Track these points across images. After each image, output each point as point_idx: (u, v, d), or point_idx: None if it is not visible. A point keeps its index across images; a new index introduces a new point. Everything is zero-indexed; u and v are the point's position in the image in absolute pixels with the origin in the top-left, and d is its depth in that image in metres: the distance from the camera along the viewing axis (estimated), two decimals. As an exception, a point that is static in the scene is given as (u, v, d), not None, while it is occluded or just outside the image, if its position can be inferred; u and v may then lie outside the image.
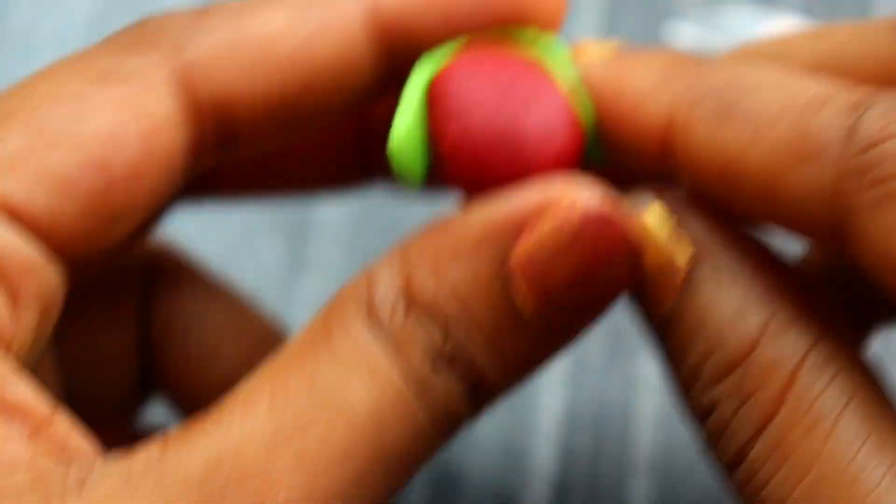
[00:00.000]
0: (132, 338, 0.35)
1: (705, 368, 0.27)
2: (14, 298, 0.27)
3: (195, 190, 0.34)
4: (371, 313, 0.27)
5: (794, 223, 0.27)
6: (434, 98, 0.29)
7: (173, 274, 0.35)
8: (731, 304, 0.26)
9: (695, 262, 0.27)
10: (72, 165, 0.27)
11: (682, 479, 0.42)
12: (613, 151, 0.29)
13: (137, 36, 0.29)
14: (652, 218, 0.27)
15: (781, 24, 0.48)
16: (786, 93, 0.27)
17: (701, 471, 0.42)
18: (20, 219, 0.27)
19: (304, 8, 0.29)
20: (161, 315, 0.35)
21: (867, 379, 0.26)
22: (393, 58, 0.30)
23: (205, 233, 0.45)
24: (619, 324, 0.43)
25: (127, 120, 0.28)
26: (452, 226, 0.27)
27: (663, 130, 0.28)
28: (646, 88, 0.29)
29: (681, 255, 0.27)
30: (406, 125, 0.28)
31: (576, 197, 0.26)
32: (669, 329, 0.27)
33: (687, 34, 0.48)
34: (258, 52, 0.29)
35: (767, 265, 0.27)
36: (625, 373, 0.43)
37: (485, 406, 0.28)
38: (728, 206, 0.28)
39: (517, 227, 0.26)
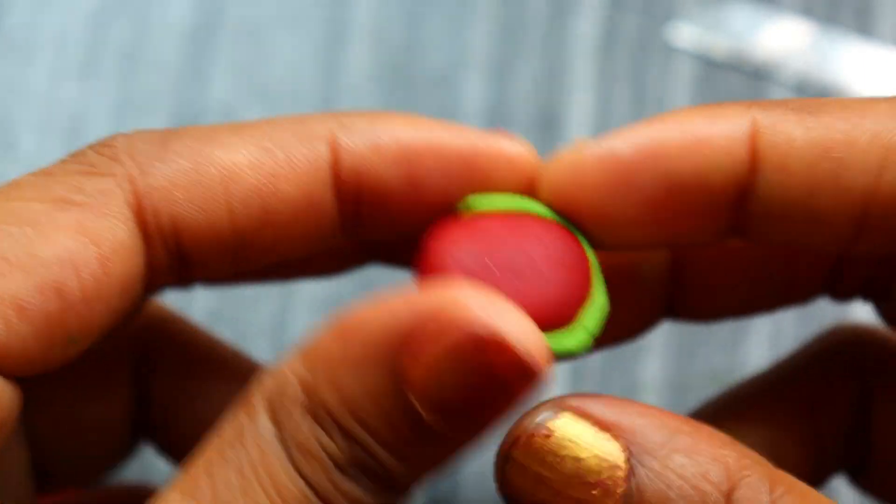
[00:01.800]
0: (123, 406, 0.35)
1: None
2: None
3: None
4: (276, 420, 0.27)
5: None
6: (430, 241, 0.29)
7: (168, 345, 0.35)
8: (690, 468, 0.28)
9: (629, 450, 0.28)
10: (27, 289, 0.27)
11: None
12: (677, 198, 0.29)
13: (101, 156, 0.29)
14: (570, 428, 0.28)
15: (782, 25, 0.48)
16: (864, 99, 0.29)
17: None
18: None
19: (271, 144, 0.29)
20: (158, 390, 0.35)
21: (812, 490, 0.28)
22: (355, 204, 0.30)
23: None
24: (619, 324, 0.43)
25: (83, 245, 0.28)
26: (351, 331, 0.27)
27: (747, 141, 0.29)
28: (707, 117, 0.29)
29: (614, 449, 0.28)
30: None
31: (467, 314, 0.26)
32: None
33: (687, 34, 0.48)
34: (216, 185, 0.29)
35: (687, 424, 0.28)
36: (625, 373, 0.43)
37: (406, 495, 0.28)
38: (812, 215, 0.29)
39: (411, 339, 0.26)
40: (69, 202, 0.28)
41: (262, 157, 0.29)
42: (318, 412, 0.27)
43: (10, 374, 0.28)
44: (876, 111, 0.29)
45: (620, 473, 0.27)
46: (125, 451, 0.36)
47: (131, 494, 0.37)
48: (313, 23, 0.49)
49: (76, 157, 0.29)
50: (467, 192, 0.30)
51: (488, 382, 0.26)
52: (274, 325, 0.45)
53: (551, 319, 0.28)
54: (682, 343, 0.44)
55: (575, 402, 0.28)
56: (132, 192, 0.29)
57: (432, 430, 0.27)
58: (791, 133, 0.29)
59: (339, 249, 0.34)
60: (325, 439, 0.27)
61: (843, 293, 0.34)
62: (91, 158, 0.29)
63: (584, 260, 0.29)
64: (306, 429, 0.27)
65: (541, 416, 0.28)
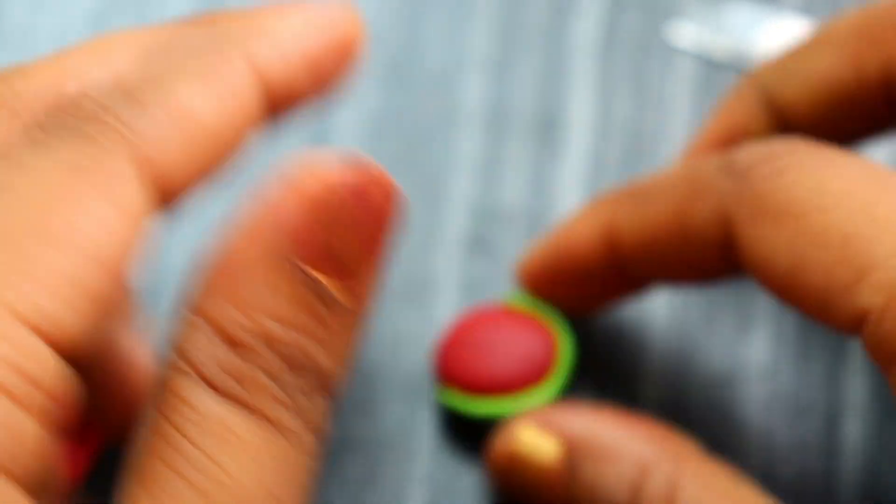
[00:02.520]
0: None
1: None
2: (52, 431, 0.27)
3: None
4: (210, 384, 0.26)
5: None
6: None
7: None
8: (612, 474, 0.37)
9: (569, 452, 0.37)
10: (85, 270, 0.27)
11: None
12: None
13: (78, 117, 0.29)
14: (523, 436, 0.38)
15: (782, 25, 0.48)
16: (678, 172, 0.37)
17: (701, 470, 0.42)
18: (53, 340, 0.27)
19: (209, 81, 0.30)
20: None
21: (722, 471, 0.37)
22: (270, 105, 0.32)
23: (204, 230, 0.45)
24: (619, 321, 0.43)
25: (116, 217, 0.28)
26: (227, 258, 0.27)
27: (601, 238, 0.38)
28: (579, 219, 0.40)
29: (553, 450, 0.37)
30: None
31: (319, 164, 0.27)
32: None
33: (688, 34, 0.48)
34: (192, 132, 0.30)
35: (628, 424, 0.38)
36: (624, 371, 0.43)
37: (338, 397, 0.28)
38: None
39: (284, 222, 0.26)
40: (84, 173, 0.28)
41: (208, 96, 0.30)
42: (241, 343, 0.26)
43: (70, 356, 0.27)
44: None
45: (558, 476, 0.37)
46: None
47: None
48: (313, 23, 0.48)
49: (50, 120, 0.29)
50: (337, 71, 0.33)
51: (366, 212, 0.27)
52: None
53: (499, 386, 0.39)
54: (682, 343, 0.44)
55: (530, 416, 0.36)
56: (134, 157, 0.29)
57: (337, 292, 0.26)
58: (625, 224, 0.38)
59: None
60: (263, 369, 0.26)
61: None
62: (69, 120, 0.29)
63: (549, 355, 0.40)
64: (242, 371, 0.26)
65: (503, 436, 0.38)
